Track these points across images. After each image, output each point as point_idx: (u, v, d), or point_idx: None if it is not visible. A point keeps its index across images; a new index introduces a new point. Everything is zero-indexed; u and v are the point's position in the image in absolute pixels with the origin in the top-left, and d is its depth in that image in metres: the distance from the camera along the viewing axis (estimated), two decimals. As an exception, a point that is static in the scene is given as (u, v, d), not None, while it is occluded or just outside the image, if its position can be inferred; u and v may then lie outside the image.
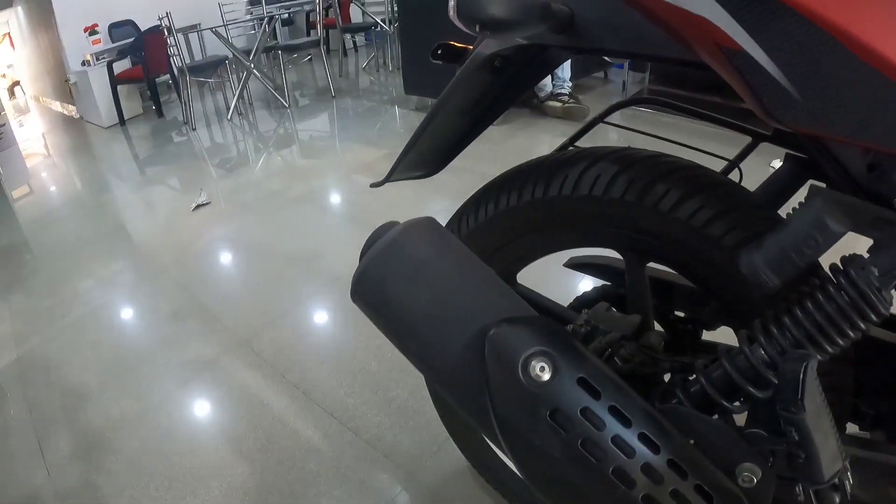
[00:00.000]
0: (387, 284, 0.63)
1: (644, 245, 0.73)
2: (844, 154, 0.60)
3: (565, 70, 3.31)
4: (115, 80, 4.16)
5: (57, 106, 5.02)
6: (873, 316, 0.51)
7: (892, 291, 0.53)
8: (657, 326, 0.85)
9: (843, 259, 0.53)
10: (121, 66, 4.29)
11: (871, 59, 0.44)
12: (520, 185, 0.79)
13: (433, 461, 1.23)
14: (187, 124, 4.02)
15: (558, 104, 3.23)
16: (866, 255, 0.53)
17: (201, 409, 1.51)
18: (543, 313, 0.67)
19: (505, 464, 1.04)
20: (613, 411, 0.55)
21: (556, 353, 0.56)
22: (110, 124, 4.30)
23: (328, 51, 5.33)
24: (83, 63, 4.40)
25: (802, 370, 0.51)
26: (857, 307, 0.51)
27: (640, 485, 0.52)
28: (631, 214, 0.69)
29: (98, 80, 4.21)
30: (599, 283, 0.96)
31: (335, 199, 2.66)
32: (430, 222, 0.67)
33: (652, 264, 0.77)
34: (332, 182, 2.89)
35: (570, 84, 3.36)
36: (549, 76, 3.29)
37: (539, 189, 0.77)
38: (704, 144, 0.79)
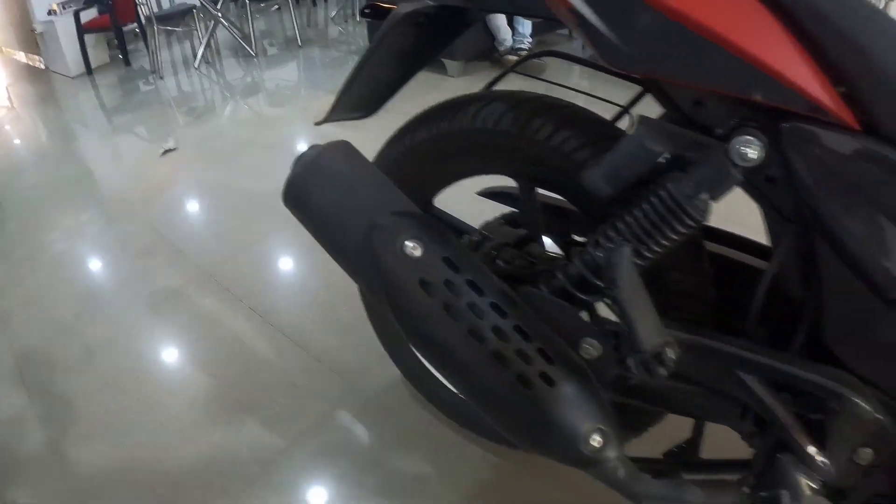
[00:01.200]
0: (308, 191, 0.77)
1: (529, 171, 0.87)
2: (672, 91, 0.74)
3: (526, 26, 3.38)
4: (81, 30, 4.13)
5: (21, 57, 4.95)
6: (689, 222, 0.65)
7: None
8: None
9: (665, 176, 0.67)
10: (88, 15, 4.24)
11: (652, 2, 0.58)
12: (434, 120, 0.92)
13: (372, 373, 1.39)
14: (155, 73, 4.03)
15: (516, 59, 3.32)
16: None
17: (168, 332, 1.65)
18: (452, 230, 0.83)
19: (433, 375, 1.20)
20: (470, 284, 0.69)
21: (426, 237, 0.70)
22: (77, 74, 4.28)
23: (297, 0, 5.29)
24: (49, 13, 4.34)
25: (617, 255, 0.66)
26: (674, 214, 0.65)
27: (490, 341, 0.67)
28: (517, 144, 0.83)
29: (65, 30, 4.16)
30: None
31: (300, 145, 2.76)
32: (345, 144, 0.80)
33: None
34: (297, 129, 2.98)
35: (531, 40, 3.44)
36: (511, 31, 3.37)
37: (447, 123, 0.90)
38: (611, 93, 0.91)
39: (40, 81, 4.36)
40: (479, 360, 0.67)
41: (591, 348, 0.71)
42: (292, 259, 1.91)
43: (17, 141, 3.41)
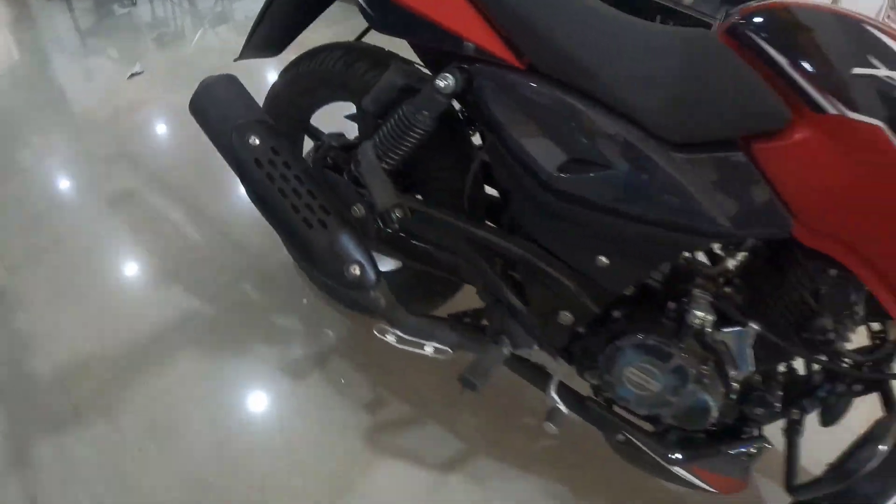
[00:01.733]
0: (202, 105, 1.15)
1: (356, 98, 1.23)
2: (414, 45, 1.09)
3: None
4: (56, -50, 4.29)
5: (0, -26, 5.10)
6: (417, 131, 1.01)
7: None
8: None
9: (403, 100, 1.03)
10: (62, -65, 4.37)
11: None
12: (302, 63, 1.30)
13: (273, 257, 1.78)
14: (128, -1, 4.24)
15: None
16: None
17: (120, 221, 2.03)
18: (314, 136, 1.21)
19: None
20: (284, 164, 1.07)
21: (263, 134, 1.07)
22: (54, -6, 4.46)
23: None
24: (24, -69, 4.48)
25: (361, 150, 1.04)
26: (406, 125, 1.02)
27: (290, 197, 1.04)
28: (347, 79, 1.19)
29: (40, -50, 4.32)
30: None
31: (260, 71, 3.05)
32: (229, 77, 1.18)
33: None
34: (256, 60, 3.26)
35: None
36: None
37: (307, 65, 1.27)
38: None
39: (17, 2, 4.55)
40: (284, 209, 1.05)
41: (357, 210, 1.09)
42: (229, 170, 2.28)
43: None
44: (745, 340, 0.95)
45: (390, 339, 1.12)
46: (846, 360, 0.95)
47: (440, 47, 0.97)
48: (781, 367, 1.08)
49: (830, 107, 0.75)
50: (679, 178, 0.85)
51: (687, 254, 1.04)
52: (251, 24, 1.32)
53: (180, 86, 2.95)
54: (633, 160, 0.87)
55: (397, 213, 1.05)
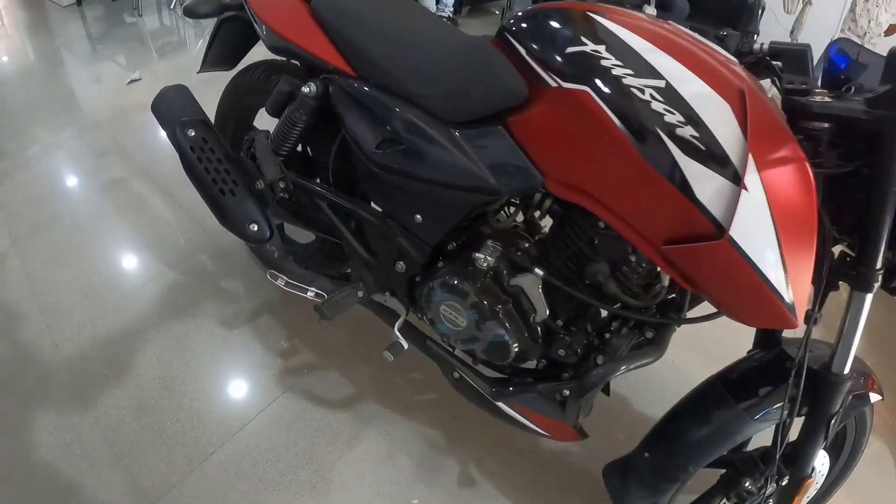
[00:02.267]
0: (159, 106, 1.52)
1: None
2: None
3: None
4: (75, -37, 4.72)
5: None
6: (297, 127, 1.39)
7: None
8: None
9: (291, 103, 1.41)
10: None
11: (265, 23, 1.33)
12: (243, 73, 1.69)
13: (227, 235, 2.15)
14: (136, 10, 4.66)
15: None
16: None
17: (107, 202, 2.42)
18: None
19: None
20: (210, 150, 1.44)
21: (198, 129, 1.43)
22: (68, 4, 4.88)
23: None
24: (46, -56, 4.91)
25: (257, 140, 1.42)
26: (290, 122, 1.40)
27: (210, 172, 1.41)
28: (267, 87, 1.55)
29: (59, -38, 4.75)
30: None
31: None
32: (181, 87, 1.55)
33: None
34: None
35: (452, 7, 4.06)
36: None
37: (247, 76, 1.65)
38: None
39: (34, 8, 4.96)
40: (207, 182, 1.42)
41: (260, 184, 1.44)
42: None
43: (4, 58, 4.08)
44: (534, 285, 1.12)
45: (280, 283, 1.49)
46: (635, 305, 1.07)
47: (311, 64, 1.34)
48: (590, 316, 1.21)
49: (552, 81, 0.94)
50: (457, 149, 1.09)
51: (482, 210, 1.21)
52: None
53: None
54: (423, 137, 1.13)
55: (281, 185, 1.40)
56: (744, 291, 0.86)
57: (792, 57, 0.88)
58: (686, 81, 0.84)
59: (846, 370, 0.98)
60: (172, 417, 1.62)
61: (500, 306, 1.14)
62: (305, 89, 1.32)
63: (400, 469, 1.52)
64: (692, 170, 0.84)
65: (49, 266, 2.11)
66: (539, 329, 1.18)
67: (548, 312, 1.13)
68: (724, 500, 1.22)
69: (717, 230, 0.84)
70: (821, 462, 1.22)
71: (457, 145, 1.09)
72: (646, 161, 0.87)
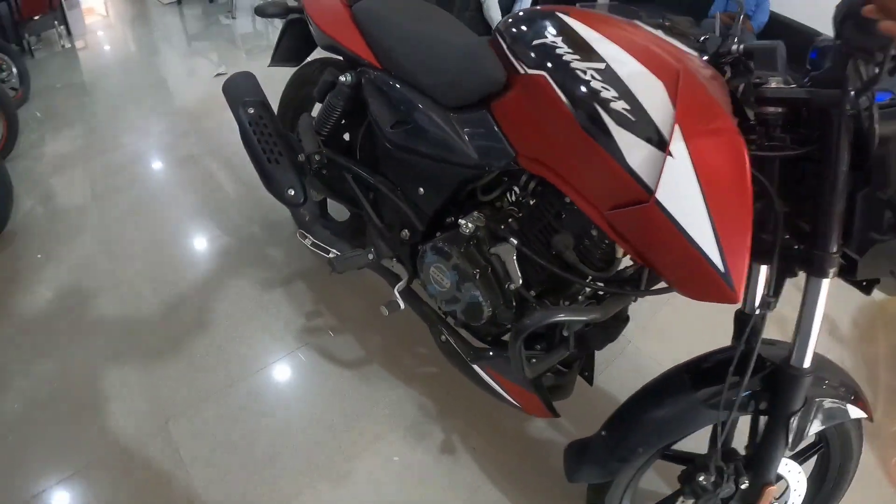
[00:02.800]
0: (228, 89, 1.77)
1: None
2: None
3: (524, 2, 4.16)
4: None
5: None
6: (338, 110, 1.61)
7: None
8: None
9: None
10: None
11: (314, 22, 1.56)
12: (303, 68, 1.93)
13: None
14: (230, 13, 5.10)
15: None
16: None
17: (182, 172, 2.73)
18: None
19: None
20: (264, 125, 1.67)
21: (257, 108, 1.69)
22: (169, 1, 5.38)
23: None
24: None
25: (301, 120, 1.65)
26: (331, 107, 1.63)
27: (263, 143, 1.66)
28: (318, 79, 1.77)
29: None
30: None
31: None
32: (247, 73, 1.81)
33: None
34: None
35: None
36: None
37: (305, 70, 1.89)
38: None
39: (137, 3, 5.50)
40: (258, 151, 1.65)
41: (301, 156, 1.65)
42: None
43: (106, 47, 4.56)
44: (508, 254, 1.20)
45: (307, 242, 1.69)
46: (594, 276, 1.13)
47: (350, 59, 1.55)
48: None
49: (521, 68, 1.06)
50: (451, 130, 1.24)
51: (471, 185, 1.32)
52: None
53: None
54: (426, 119, 1.30)
55: (317, 158, 1.60)
56: (678, 257, 0.90)
57: (762, 54, 0.91)
58: (624, 63, 0.94)
59: (806, 364, 0.96)
60: (203, 352, 1.84)
61: (477, 270, 1.25)
62: (342, 79, 1.54)
63: (388, 428, 1.65)
64: (624, 139, 0.91)
65: (121, 221, 2.41)
66: (512, 297, 1.26)
67: (521, 281, 1.21)
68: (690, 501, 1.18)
69: (647, 194, 0.89)
70: (795, 478, 1.17)
71: (452, 126, 1.25)
72: (586, 133, 0.96)
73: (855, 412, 1.08)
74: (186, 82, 3.90)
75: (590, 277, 1.14)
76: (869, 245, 0.86)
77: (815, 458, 1.24)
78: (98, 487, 1.48)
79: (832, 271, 0.89)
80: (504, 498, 1.50)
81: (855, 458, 1.20)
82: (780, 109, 0.90)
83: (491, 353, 1.37)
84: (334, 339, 1.92)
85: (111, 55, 4.45)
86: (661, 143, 0.88)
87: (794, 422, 1.00)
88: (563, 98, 0.98)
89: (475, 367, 1.38)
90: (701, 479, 1.05)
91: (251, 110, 1.67)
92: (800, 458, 1.20)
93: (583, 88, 0.96)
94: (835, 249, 0.87)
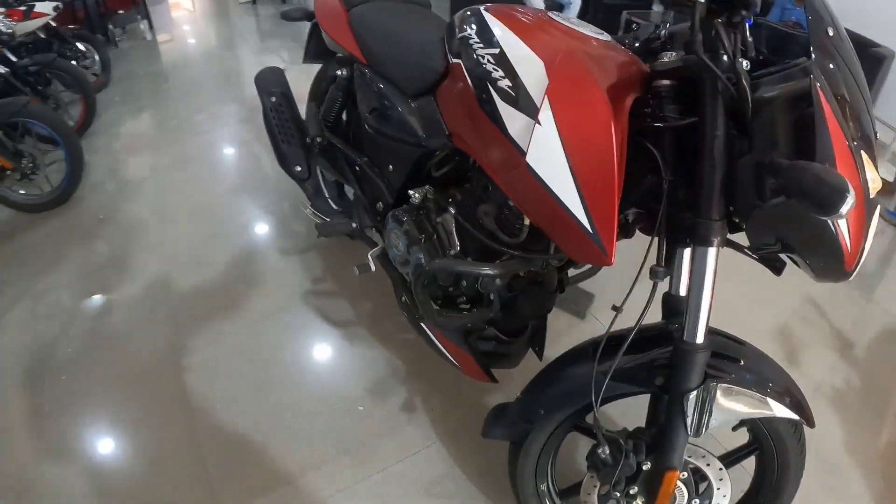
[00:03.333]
0: (258, 82, 2.05)
1: None
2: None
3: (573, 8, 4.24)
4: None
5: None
6: (339, 101, 1.86)
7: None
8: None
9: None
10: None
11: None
12: (325, 65, 2.15)
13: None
14: (301, 13, 5.50)
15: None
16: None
17: (235, 146, 3.08)
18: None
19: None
20: (282, 110, 1.93)
21: (278, 96, 1.95)
22: (244, 1, 5.84)
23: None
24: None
25: (307, 110, 1.92)
26: (334, 99, 1.88)
27: (281, 128, 1.91)
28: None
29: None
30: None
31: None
32: (276, 67, 2.08)
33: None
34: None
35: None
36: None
37: (327, 67, 2.13)
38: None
39: (219, 1, 5.98)
40: (275, 132, 1.91)
41: (308, 139, 1.88)
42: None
43: (191, 41, 5.03)
44: (449, 223, 1.33)
45: (308, 212, 1.95)
46: (512, 243, 1.20)
47: (346, 55, 1.75)
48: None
49: (450, 58, 1.21)
50: (410, 114, 1.39)
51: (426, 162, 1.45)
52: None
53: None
54: (392, 105, 1.48)
55: (318, 140, 1.82)
56: (554, 219, 0.95)
57: (680, 38, 0.95)
58: (515, 47, 1.04)
59: (699, 339, 0.93)
60: (220, 297, 2.15)
61: (423, 236, 1.38)
62: (339, 73, 1.78)
63: (359, 381, 1.83)
64: (506, 111, 1.02)
65: (172, 192, 2.78)
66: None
67: (458, 247, 1.33)
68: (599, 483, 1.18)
69: (522, 157, 0.97)
70: (717, 475, 1.13)
71: (410, 111, 1.40)
72: (482, 109, 1.07)
73: (781, 410, 1.00)
74: (253, 75, 4.27)
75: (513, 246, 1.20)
76: (751, 210, 0.85)
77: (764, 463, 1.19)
78: (136, 403, 1.79)
79: (716, 240, 0.88)
80: (450, 455, 1.63)
81: (793, 466, 1.13)
82: (667, 82, 0.92)
83: (438, 315, 1.43)
84: (331, 301, 2.15)
85: (191, 47, 4.92)
86: (532, 113, 0.96)
87: (691, 402, 0.96)
88: (470, 81, 1.12)
89: (422, 325, 1.52)
90: (600, 451, 1.05)
91: (273, 98, 1.93)
92: (730, 457, 1.19)
93: (480, 71, 1.09)
94: (717, 217, 0.87)
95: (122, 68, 4.18)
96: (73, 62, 3.58)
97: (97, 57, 3.82)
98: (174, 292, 2.18)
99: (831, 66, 0.79)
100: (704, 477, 1.13)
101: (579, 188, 0.90)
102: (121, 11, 4.59)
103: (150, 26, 4.99)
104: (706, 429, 0.99)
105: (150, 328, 2.03)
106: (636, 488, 1.09)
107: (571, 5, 4.28)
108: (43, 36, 3.41)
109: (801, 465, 1.14)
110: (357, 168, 1.79)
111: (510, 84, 1.01)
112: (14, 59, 2.92)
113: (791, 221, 0.83)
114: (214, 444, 1.65)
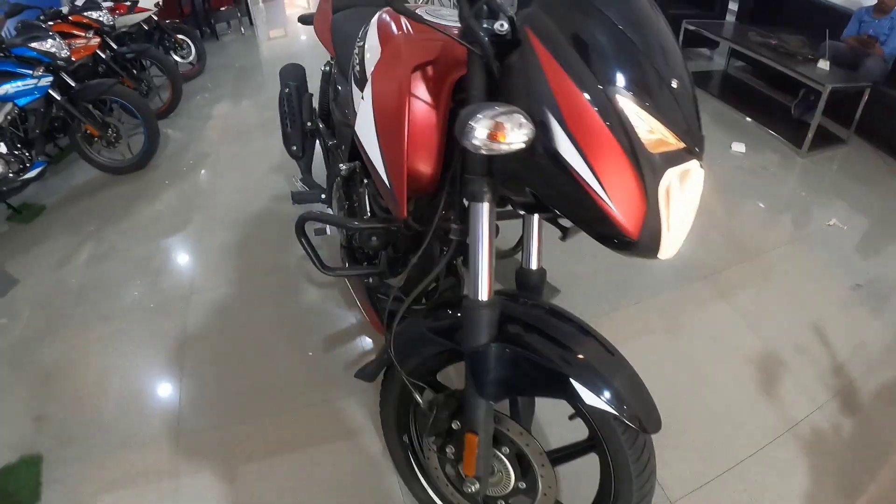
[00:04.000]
0: (282, 75, 2.39)
1: None
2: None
3: None
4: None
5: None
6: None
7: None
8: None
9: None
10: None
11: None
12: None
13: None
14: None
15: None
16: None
17: (261, 126, 3.46)
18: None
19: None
20: (293, 99, 2.26)
21: (293, 87, 2.28)
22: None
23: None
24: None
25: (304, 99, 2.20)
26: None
27: (288, 111, 2.25)
28: None
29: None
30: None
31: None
32: (298, 64, 2.41)
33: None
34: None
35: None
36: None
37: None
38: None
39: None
40: (283, 117, 2.23)
41: (310, 124, 2.20)
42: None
43: (303, 37, 5.50)
44: (362, 194, 1.47)
45: (298, 184, 2.26)
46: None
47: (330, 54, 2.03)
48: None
49: None
50: (351, 101, 1.39)
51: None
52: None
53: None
54: (343, 94, 1.67)
55: (308, 125, 2.12)
56: (375, 179, 1.10)
57: None
58: (369, 39, 1.23)
59: (481, 296, 0.93)
60: (233, 256, 2.51)
61: (347, 203, 1.62)
62: (324, 69, 2.06)
63: (316, 330, 2.12)
64: (353, 91, 1.26)
65: (229, 166, 3.24)
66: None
67: (369, 213, 1.46)
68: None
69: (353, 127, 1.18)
70: (541, 472, 1.06)
71: (352, 98, 1.51)
72: (351, 90, 1.33)
73: (590, 398, 0.89)
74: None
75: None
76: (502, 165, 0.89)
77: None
78: (156, 325, 2.20)
79: (486, 195, 0.90)
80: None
81: (631, 475, 0.99)
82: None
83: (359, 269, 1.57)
84: (324, 291, 2.44)
85: (299, 44, 5.38)
86: (364, 90, 1.14)
87: (477, 360, 0.95)
88: (353, 68, 1.35)
89: (347, 282, 1.84)
90: (421, 402, 1.08)
91: (286, 90, 2.26)
92: (561, 452, 1.12)
93: (350, 60, 1.35)
94: (481, 172, 0.90)
95: (218, 61, 4.75)
96: (171, 52, 4.16)
97: (193, 48, 4.39)
98: (209, 242, 2.60)
99: (561, 11, 0.78)
100: (530, 464, 1.07)
101: (382, 152, 1.04)
102: (223, 8, 5.18)
103: (251, 23, 5.57)
104: (496, 395, 0.97)
105: (179, 272, 2.46)
106: (452, 448, 1.10)
107: None
108: (146, 27, 4.00)
109: (646, 478, 1.00)
110: (327, 148, 2.09)
111: (359, 68, 1.24)
112: (115, 46, 3.49)
113: (531, 173, 0.84)
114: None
